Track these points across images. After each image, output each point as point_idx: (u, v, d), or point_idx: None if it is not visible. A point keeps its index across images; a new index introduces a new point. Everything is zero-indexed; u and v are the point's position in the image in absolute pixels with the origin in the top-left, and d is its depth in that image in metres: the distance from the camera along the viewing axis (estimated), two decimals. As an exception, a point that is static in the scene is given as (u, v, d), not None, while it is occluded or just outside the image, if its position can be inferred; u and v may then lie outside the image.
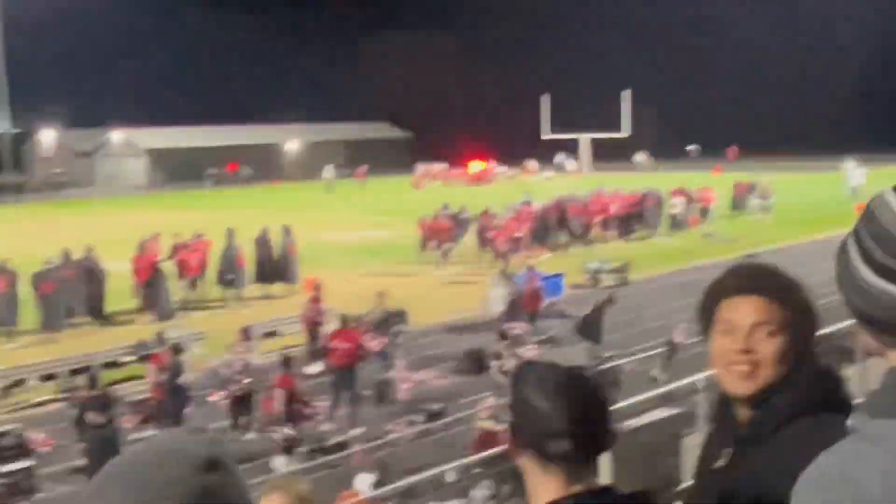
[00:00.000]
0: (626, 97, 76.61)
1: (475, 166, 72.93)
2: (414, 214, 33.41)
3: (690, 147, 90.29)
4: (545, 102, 79.95)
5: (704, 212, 40.93)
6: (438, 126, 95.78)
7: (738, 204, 44.95)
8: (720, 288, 2.53)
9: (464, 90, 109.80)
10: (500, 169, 71.60)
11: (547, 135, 78.66)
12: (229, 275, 27.62)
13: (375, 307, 20.87)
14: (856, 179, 48.46)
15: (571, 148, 77.61)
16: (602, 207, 37.50)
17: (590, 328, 19.59)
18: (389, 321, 22.07)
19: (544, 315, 24.23)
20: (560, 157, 76.54)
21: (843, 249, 1.68)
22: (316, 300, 21.89)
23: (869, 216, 1.62)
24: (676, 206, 39.69)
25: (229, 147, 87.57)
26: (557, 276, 28.10)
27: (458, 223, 35.04)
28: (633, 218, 38.97)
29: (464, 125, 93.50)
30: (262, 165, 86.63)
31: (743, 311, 2.46)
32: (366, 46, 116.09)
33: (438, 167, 73.19)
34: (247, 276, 28.38)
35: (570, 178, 67.70)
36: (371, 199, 60.44)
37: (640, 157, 79.01)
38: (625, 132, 76.98)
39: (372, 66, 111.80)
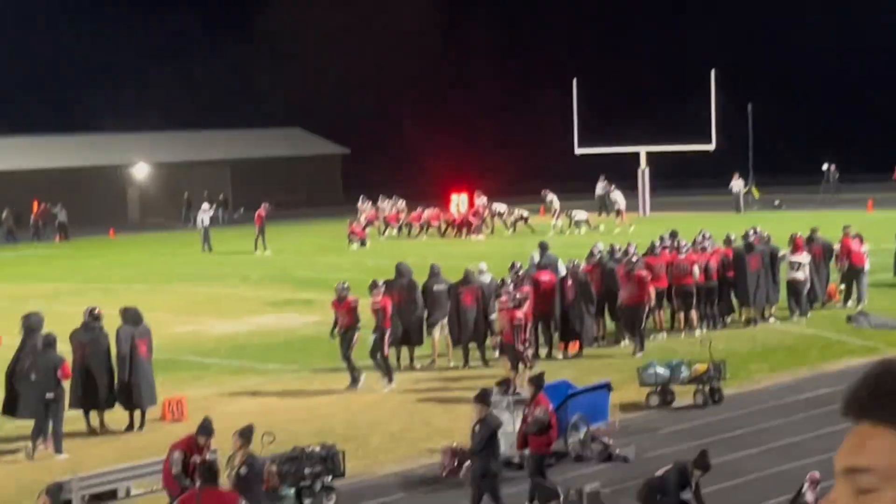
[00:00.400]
0: (713, 80, 54.80)
1: (457, 201, 54.70)
2: (353, 284, 23.69)
3: (827, 166, 67.66)
4: (574, 92, 57.85)
5: (852, 276, 29.68)
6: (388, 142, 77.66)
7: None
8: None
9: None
10: (498, 207, 52.69)
11: (579, 149, 57.91)
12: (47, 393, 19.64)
13: (237, 450, 14.24)
14: None
15: (619, 171, 57.79)
16: (675, 272, 27.33)
17: (657, 499, 14.06)
18: (297, 473, 16.10)
19: (574, 455, 17.74)
20: (602, 187, 56.56)
21: None
22: (190, 444, 15.05)
23: None
24: (801, 265, 28.36)
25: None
26: (599, 387, 20.59)
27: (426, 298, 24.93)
28: (727, 288, 28.29)
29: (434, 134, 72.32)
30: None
31: (873, 450, 1.70)
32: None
33: (389, 204, 53.73)
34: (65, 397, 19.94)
35: (619, 221, 50.27)
36: (271, 259, 45.11)
37: (739, 184, 57.05)
38: (712, 143, 55.07)
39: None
